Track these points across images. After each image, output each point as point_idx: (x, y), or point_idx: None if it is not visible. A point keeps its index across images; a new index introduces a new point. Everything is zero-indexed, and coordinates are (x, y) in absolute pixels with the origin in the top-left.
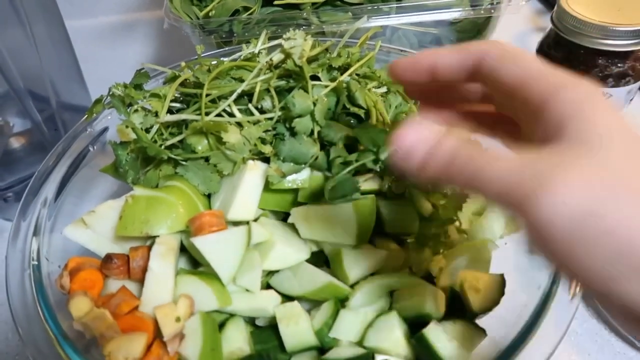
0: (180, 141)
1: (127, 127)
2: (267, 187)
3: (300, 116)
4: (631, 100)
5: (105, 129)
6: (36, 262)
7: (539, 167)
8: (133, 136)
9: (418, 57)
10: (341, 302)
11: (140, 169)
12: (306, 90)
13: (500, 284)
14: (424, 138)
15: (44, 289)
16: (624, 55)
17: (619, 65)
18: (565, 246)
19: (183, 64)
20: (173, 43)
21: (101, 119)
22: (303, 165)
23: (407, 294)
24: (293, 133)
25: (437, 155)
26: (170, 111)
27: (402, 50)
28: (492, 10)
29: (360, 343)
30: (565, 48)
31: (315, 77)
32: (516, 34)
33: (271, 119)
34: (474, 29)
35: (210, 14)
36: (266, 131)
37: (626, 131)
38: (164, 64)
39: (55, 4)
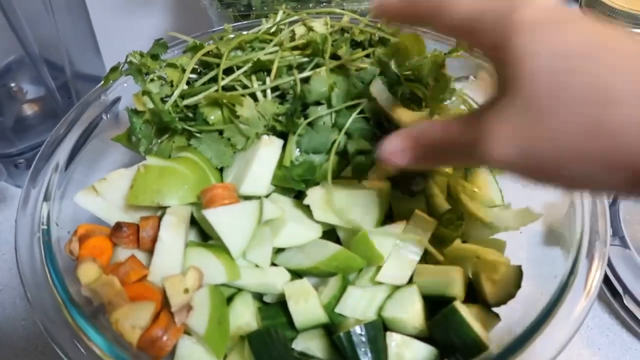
0: (195, 114)
1: (143, 95)
2: (281, 163)
3: (317, 103)
4: None
5: (118, 99)
6: (46, 227)
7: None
8: (149, 105)
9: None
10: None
11: (153, 139)
12: (321, 65)
13: (518, 275)
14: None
15: (53, 254)
16: None
17: None
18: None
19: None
20: (189, 17)
21: (114, 88)
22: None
23: (432, 271)
24: (310, 123)
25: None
26: (187, 82)
27: (424, 32)
28: None
29: (378, 313)
30: None
31: (335, 57)
32: None
33: (284, 96)
34: None
35: None
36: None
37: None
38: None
39: None
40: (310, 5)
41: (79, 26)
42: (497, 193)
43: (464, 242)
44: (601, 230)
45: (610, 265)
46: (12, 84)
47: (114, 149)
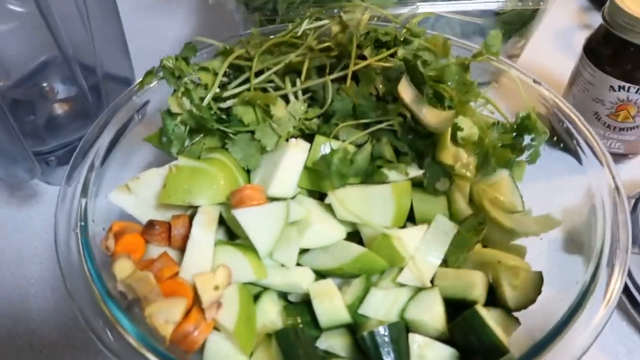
0: (228, 115)
1: (179, 97)
2: (307, 166)
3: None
4: None
5: (148, 101)
6: (83, 223)
7: None
8: (186, 107)
9: None
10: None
11: (185, 141)
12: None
13: (538, 281)
14: None
15: (91, 249)
16: None
17: None
18: None
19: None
20: (213, 21)
21: (143, 90)
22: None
23: (453, 275)
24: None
25: None
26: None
27: (447, 39)
28: (541, 2)
29: (400, 315)
30: (614, 45)
31: (362, 57)
32: (560, 29)
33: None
34: (519, 21)
35: None
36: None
37: None
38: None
39: None
40: (335, 11)
41: (110, 28)
42: (518, 199)
43: (484, 247)
44: (622, 238)
45: (629, 273)
46: (44, 84)
47: (141, 150)
